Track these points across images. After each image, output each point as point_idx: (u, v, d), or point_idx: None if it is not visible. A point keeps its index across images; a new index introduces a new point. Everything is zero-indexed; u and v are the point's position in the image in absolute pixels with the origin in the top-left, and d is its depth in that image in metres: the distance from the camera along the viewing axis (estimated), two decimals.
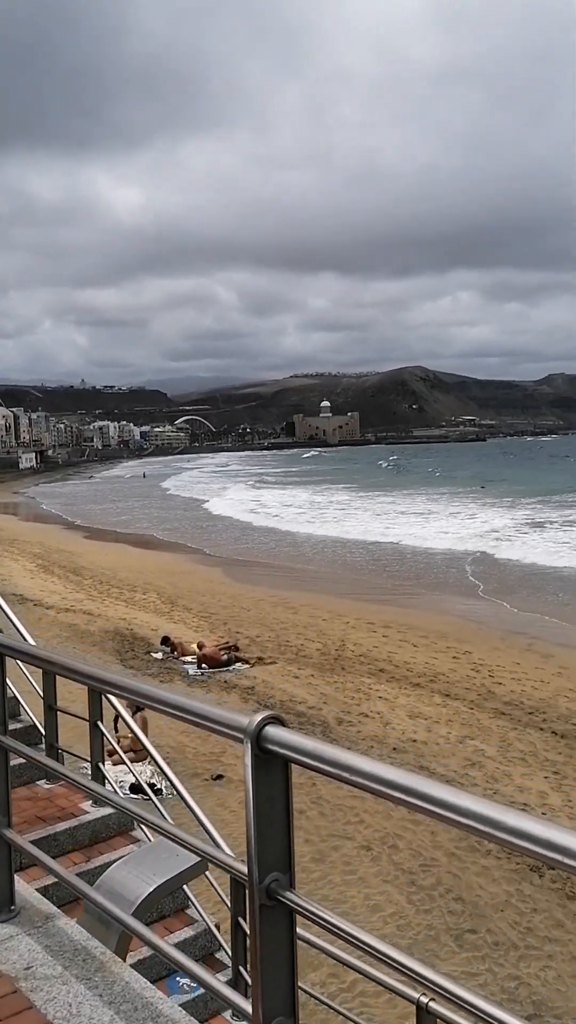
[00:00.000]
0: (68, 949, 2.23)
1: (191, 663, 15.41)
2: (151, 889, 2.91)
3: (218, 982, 1.84)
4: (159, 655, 16.02)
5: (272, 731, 1.51)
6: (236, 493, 71.18)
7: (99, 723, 5.17)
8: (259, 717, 1.52)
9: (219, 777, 9.50)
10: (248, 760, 1.53)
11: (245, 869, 1.57)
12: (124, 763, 6.07)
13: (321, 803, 8.69)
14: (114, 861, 4.28)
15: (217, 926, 4.79)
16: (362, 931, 1.48)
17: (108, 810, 5.19)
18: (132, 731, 5.07)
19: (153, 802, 4.93)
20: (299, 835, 7.90)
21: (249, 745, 1.52)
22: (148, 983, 2.09)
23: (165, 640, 16.38)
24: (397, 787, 1.31)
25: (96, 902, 2.07)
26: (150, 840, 4.95)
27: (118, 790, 5.41)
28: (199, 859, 2.83)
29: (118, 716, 10.72)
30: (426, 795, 1.27)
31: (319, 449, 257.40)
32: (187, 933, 4.66)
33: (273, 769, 1.54)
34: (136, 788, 8.09)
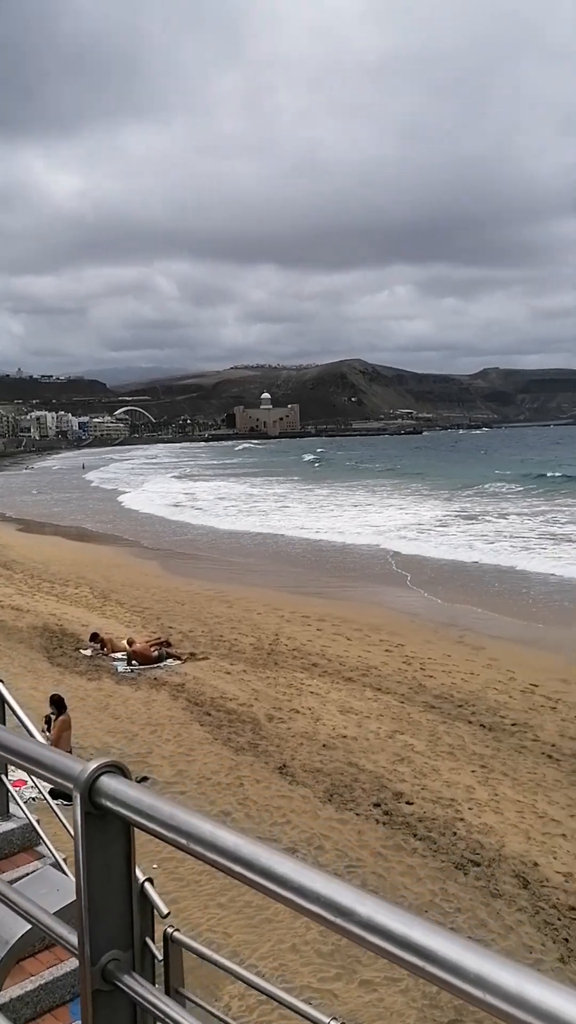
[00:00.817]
0: None
1: (121, 660, 15.06)
2: (29, 927, 2.66)
3: None
4: (88, 652, 15.61)
5: (108, 783, 1.28)
6: (155, 486, 70.94)
7: None
8: (93, 765, 1.29)
9: (144, 779, 9.23)
10: (78, 817, 1.31)
11: (77, 942, 1.35)
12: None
13: (248, 804, 8.51)
14: (18, 880, 4.00)
15: None
16: None
17: (11, 824, 4.90)
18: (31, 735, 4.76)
19: (54, 811, 4.64)
20: None
21: (79, 799, 1.29)
22: None
23: (94, 636, 15.98)
24: (239, 860, 1.11)
25: None
26: (56, 858, 4.68)
27: (21, 803, 5.09)
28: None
29: (49, 717, 10.45)
30: (269, 872, 1.07)
31: (253, 442, 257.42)
32: None
33: (110, 829, 1.32)
34: (54, 793, 7.78)
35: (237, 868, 1.10)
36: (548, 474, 64.88)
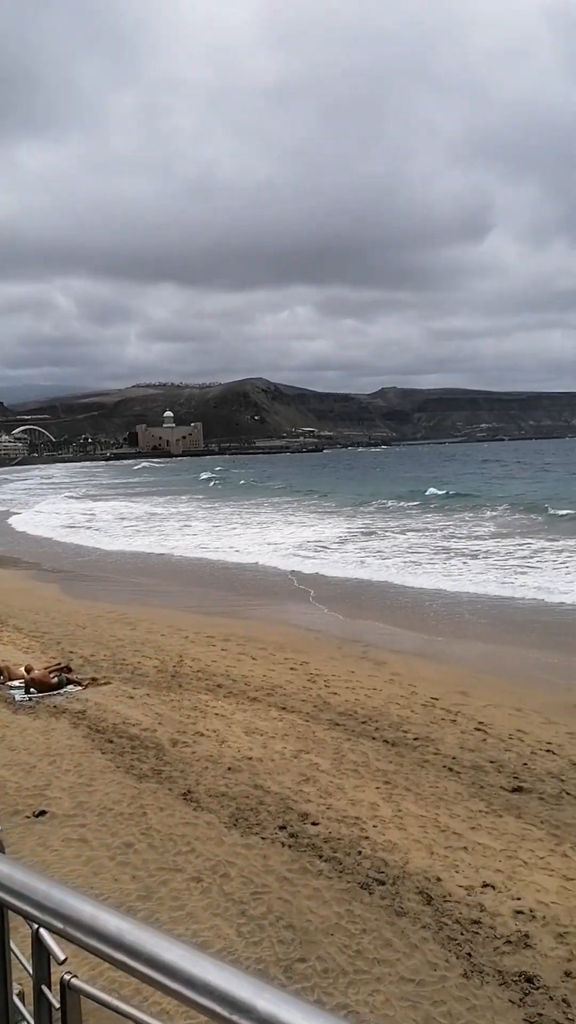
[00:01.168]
0: None
1: (18, 688, 14.51)
2: None
3: None
4: None
5: None
6: (51, 506, 69.66)
7: None
8: None
9: (42, 813, 8.89)
10: None
11: None
12: None
13: (151, 834, 8.30)
14: None
15: (20, 994, 4.32)
16: None
17: None
18: None
19: None
20: (126, 871, 7.49)
21: None
22: None
23: None
24: (121, 947, 1.03)
25: None
26: None
27: None
28: None
29: None
30: (156, 960, 0.98)
31: (154, 460, 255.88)
32: None
33: None
34: None
35: (119, 956, 1.02)
36: (428, 491, 67.18)
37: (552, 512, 45.62)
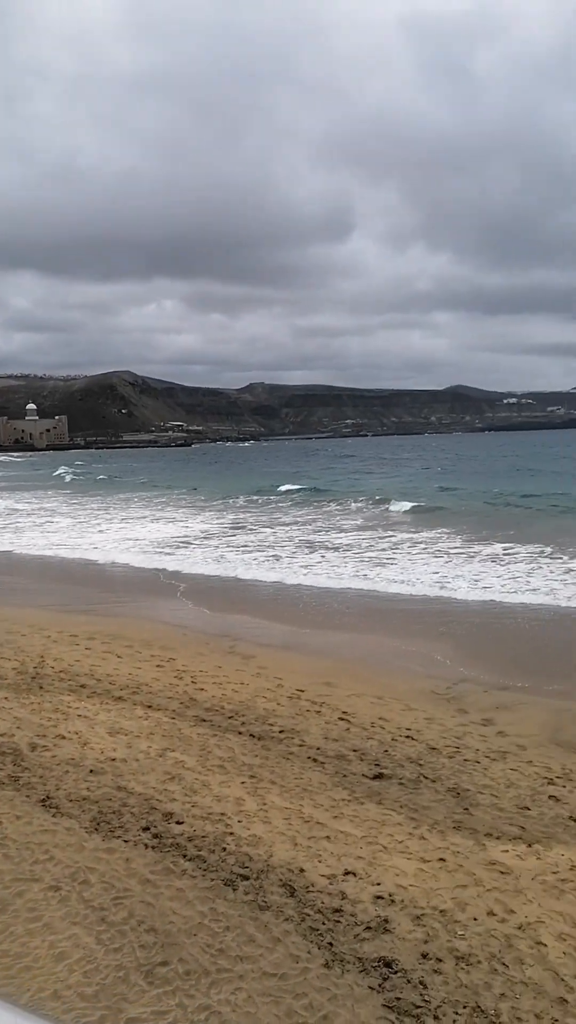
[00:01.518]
0: None
1: None
2: None
3: None
4: None
5: None
6: None
7: None
8: None
9: None
10: None
11: None
12: None
13: (6, 844, 7.93)
14: None
15: None
16: None
17: None
18: None
19: None
20: None
21: None
22: None
23: None
24: None
25: None
26: None
27: None
28: None
29: None
30: None
31: (13, 454, 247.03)
32: None
33: None
34: None
35: None
36: (283, 487, 67.98)
37: (395, 507, 47.73)
